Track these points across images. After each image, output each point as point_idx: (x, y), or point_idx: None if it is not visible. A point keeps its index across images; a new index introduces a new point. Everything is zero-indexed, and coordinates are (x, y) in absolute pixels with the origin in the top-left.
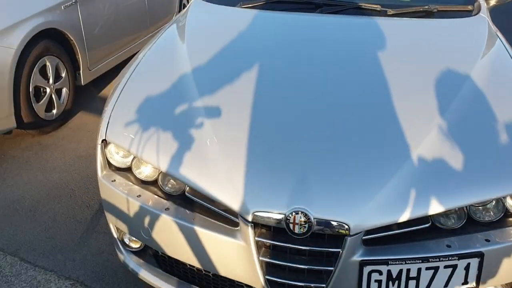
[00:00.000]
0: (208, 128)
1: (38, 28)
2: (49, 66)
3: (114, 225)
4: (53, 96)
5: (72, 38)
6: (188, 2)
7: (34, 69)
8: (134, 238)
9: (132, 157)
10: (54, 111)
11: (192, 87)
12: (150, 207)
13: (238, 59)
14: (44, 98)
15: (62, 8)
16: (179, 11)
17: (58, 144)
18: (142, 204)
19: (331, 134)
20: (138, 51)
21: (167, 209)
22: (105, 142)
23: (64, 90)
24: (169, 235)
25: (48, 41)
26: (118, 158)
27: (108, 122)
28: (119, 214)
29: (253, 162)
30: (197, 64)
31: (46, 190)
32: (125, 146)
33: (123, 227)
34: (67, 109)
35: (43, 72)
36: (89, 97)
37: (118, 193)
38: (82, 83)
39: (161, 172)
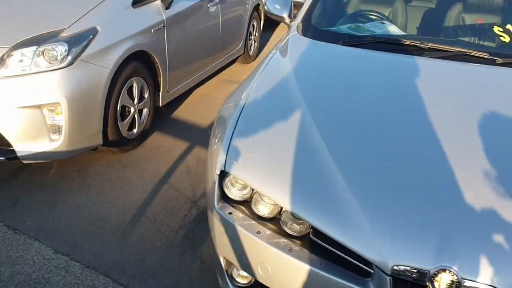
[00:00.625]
0: (334, 167)
1: (131, 50)
2: (136, 87)
3: (224, 257)
4: (135, 115)
5: (157, 61)
6: (254, 30)
7: (123, 89)
8: (244, 274)
9: (250, 190)
10: (135, 130)
11: (310, 124)
12: (272, 245)
13: (354, 100)
14: (128, 117)
15: (152, 31)
16: (247, 37)
17: (137, 163)
18: (262, 242)
19: (472, 187)
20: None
21: (290, 250)
22: (222, 174)
23: (145, 110)
24: (289, 277)
25: (137, 63)
26: (235, 191)
27: (227, 153)
28: (233, 248)
29: (390, 209)
30: (311, 101)
31: (130, 210)
32: (246, 180)
33: (235, 261)
34: (145, 129)
35: (129, 92)
36: (163, 118)
37: (235, 227)
38: (160, 104)
39: (283, 210)
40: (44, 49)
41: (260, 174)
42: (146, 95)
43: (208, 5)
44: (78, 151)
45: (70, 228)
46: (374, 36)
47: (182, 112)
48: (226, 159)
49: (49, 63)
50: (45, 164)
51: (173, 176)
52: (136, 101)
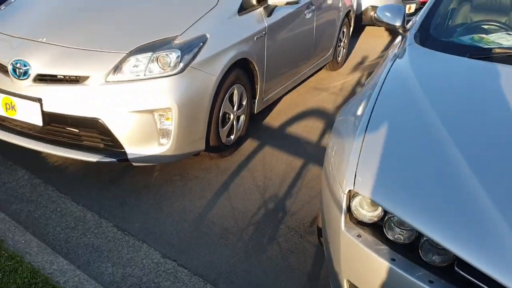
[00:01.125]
0: (482, 193)
1: (236, 57)
2: (236, 94)
3: (348, 281)
4: (234, 122)
5: (256, 68)
6: (343, 37)
7: (226, 96)
8: None
9: (381, 212)
10: (232, 137)
11: (449, 143)
12: (409, 275)
13: (496, 120)
14: (228, 124)
15: (255, 39)
16: (336, 44)
17: (235, 170)
18: (398, 270)
19: None
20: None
21: (431, 282)
22: (350, 193)
23: (242, 117)
24: None
25: (239, 70)
26: (365, 212)
27: (356, 171)
28: (362, 273)
29: None
30: (447, 119)
31: (233, 218)
32: (379, 201)
33: (363, 287)
34: (241, 136)
35: (230, 99)
36: (255, 125)
37: (366, 251)
38: (255, 111)
39: (423, 238)
40: (159, 56)
41: (396, 196)
42: (244, 102)
43: (305, 12)
44: (183, 156)
45: (176, 233)
46: (503, 48)
47: (274, 119)
48: (355, 177)
49: (162, 69)
50: (149, 166)
51: (271, 185)
52: (235, 108)
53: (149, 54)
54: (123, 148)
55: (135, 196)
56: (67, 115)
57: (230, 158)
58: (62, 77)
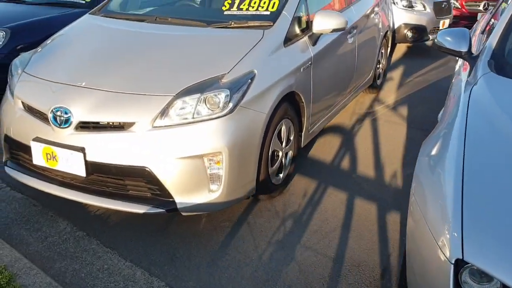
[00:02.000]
0: None
1: (284, 91)
2: (284, 130)
3: None
4: (283, 159)
5: (302, 100)
6: (382, 58)
7: (275, 133)
8: None
9: (497, 285)
10: (281, 175)
11: None
12: None
13: None
14: (277, 162)
15: (301, 70)
16: (375, 66)
17: (286, 212)
18: None
19: None
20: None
21: None
22: (457, 262)
23: (290, 153)
24: None
25: (286, 104)
26: (475, 284)
27: (462, 235)
28: None
29: None
30: None
31: (294, 273)
32: (497, 274)
33: None
34: (289, 173)
35: (278, 135)
36: (301, 158)
37: None
38: (302, 145)
39: None
40: (207, 97)
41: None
42: (291, 137)
43: (347, 37)
44: (234, 202)
45: None
46: None
47: (319, 152)
48: (462, 243)
49: (211, 110)
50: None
51: (329, 230)
52: (283, 144)
53: (197, 95)
54: (172, 197)
55: (184, 247)
56: (112, 164)
57: (279, 198)
58: (106, 124)
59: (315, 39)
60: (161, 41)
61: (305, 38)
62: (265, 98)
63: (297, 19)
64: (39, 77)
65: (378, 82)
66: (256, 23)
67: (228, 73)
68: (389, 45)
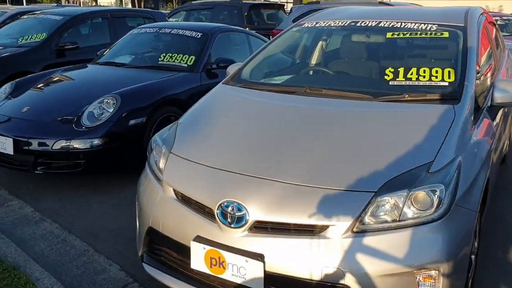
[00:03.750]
0: None
1: (484, 181)
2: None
3: None
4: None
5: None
6: None
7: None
8: None
9: None
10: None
11: None
12: None
13: None
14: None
15: (492, 153)
16: None
17: None
18: None
19: None
20: None
21: None
22: None
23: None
24: None
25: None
26: None
27: None
28: None
29: None
30: None
31: None
32: None
33: None
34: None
35: None
36: None
37: None
38: None
39: None
40: (416, 194)
41: None
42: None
43: None
44: None
45: None
46: None
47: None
48: None
49: (420, 211)
50: None
51: None
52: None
53: (404, 192)
54: None
55: None
56: (298, 278)
57: None
58: (289, 225)
59: (494, 112)
60: (328, 119)
61: (485, 112)
62: (472, 192)
63: (478, 91)
64: (194, 161)
65: None
66: (435, 96)
67: (433, 161)
68: None
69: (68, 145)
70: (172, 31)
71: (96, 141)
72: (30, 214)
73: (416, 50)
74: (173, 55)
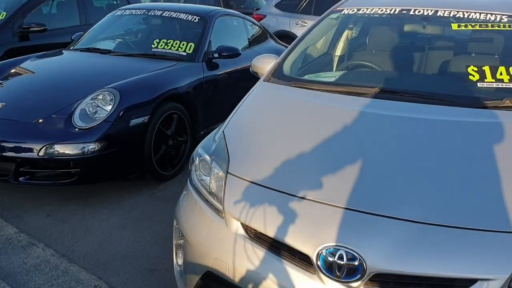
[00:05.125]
0: None
1: None
2: None
3: None
4: None
5: None
6: None
7: None
8: None
9: None
10: None
11: None
12: None
13: None
14: None
15: None
16: None
17: None
18: None
19: None
20: None
21: None
22: None
23: None
24: None
25: None
26: None
27: None
28: None
29: None
30: None
31: None
32: None
33: None
34: None
35: None
36: None
37: None
38: None
39: None
40: None
41: None
42: None
43: None
44: None
45: None
46: None
47: None
48: None
49: None
50: None
51: None
52: None
53: None
54: None
55: None
56: None
57: None
58: (421, 279)
59: None
60: (441, 132)
61: None
62: None
63: None
64: (267, 187)
65: None
66: None
67: None
68: None
69: (58, 150)
70: (164, 14)
71: (92, 146)
72: (14, 236)
73: (491, 45)
74: (168, 41)
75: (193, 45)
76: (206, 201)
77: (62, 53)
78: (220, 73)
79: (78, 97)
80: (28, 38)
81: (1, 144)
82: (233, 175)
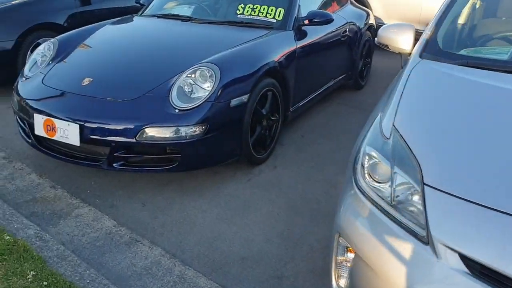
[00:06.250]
0: None
1: None
2: None
3: None
4: None
5: None
6: None
7: None
8: None
9: None
10: None
11: None
12: None
13: None
14: None
15: None
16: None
17: None
18: None
19: None
20: None
21: None
22: None
23: None
24: None
25: None
26: None
27: None
28: None
29: None
30: None
31: None
32: None
33: None
34: None
35: None
36: None
37: None
38: None
39: None
40: None
41: None
42: None
43: None
44: None
45: None
46: None
47: None
48: None
49: None
50: None
51: None
52: None
53: None
54: None
55: None
56: None
57: None
58: None
59: None
60: None
61: None
62: None
63: None
64: (496, 210)
65: None
66: None
67: None
68: None
69: (155, 134)
70: None
71: (194, 129)
72: (114, 230)
73: None
74: (255, 6)
75: (282, 10)
76: (388, 215)
77: (139, 20)
78: (310, 42)
79: (173, 73)
80: (90, 2)
81: (95, 125)
82: (433, 188)
